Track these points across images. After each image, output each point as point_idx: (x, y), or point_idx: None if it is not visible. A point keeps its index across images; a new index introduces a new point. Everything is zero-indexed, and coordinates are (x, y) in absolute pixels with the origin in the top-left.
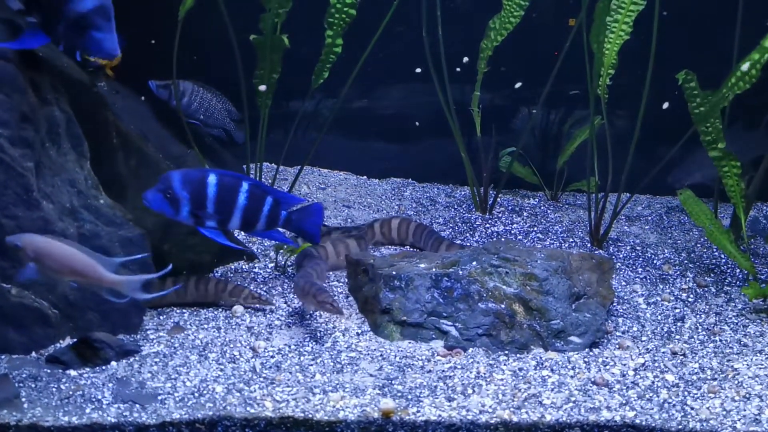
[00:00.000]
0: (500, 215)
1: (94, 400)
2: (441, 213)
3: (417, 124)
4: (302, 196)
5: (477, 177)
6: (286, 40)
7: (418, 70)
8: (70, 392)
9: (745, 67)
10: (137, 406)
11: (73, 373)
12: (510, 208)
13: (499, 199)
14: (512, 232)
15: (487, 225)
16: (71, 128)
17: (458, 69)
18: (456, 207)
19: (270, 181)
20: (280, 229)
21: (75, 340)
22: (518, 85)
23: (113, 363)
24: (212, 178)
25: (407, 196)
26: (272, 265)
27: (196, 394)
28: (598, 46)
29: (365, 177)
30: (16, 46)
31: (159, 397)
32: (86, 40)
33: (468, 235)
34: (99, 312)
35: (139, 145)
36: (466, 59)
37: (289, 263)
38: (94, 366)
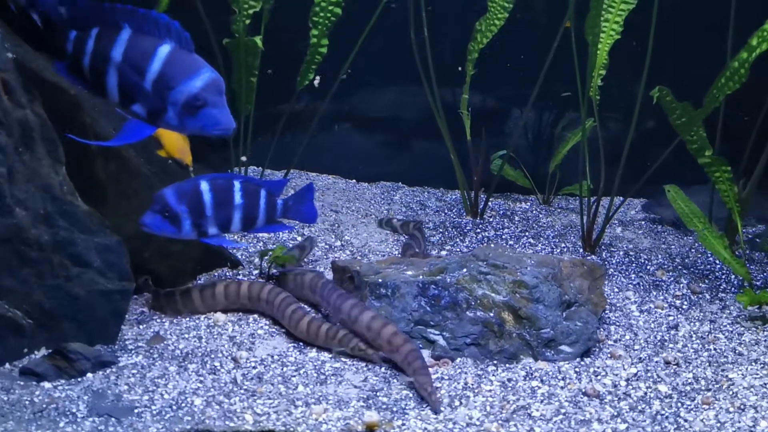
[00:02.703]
0: (491, 219)
1: (68, 413)
2: (431, 217)
3: (408, 126)
4: None
5: (468, 181)
6: (260, 42)
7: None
8: (44, 405)
9: (734, 65)
10: (113, 419)
11: (47, 385)
12: (501, 212)
13: (490, 203)
14: (503, 236)
15: (478, 230)
16: (46, 132)
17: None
18: (446, 211)
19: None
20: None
21: (50, 350)
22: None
23: (89, 375)
24: (205, 185)
25: (397, 201)
26: (257, 271)
27: (174, 407)
28: (593, 39)
29: (354, 181)
30: (120, 142)
31: (135, 411)
32: (200, 119)
33: (458, 240)
34: (75, 322)
35: (118, 150)
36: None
37: (273, 270)
38: (70, 378)
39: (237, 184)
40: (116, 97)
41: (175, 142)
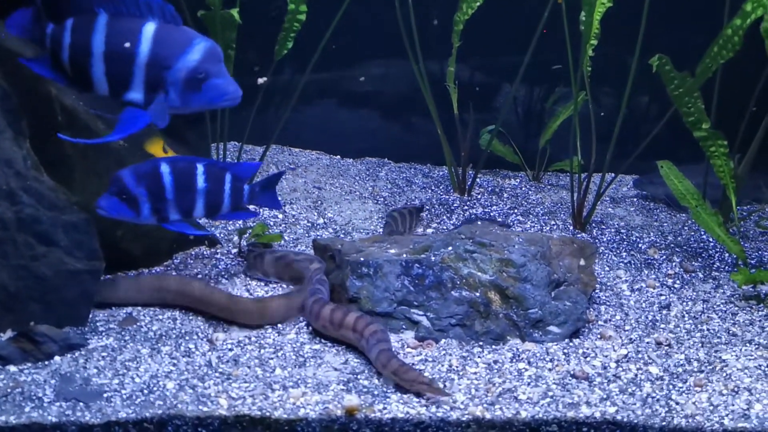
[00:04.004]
0: (479, 196)
1: (34, 398)
2: (417, 194)
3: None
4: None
5: (455, 157)
6: (237, 15)
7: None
8: (9, 390)
9: (728, 33)
10: (81, 404)
11: (12, 368)
12: (490, 189)
13: (478, 180)
14: (491, 214)
15: (466, 207)
16: (7, 103)
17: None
18: (433, 188)
19: (234, 161)
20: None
21: (16, 333)
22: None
23: (57, 358)
24: (165, 167)
25: (382, 177)
26: (235, 250)
27: (146, 391)
28: (589, 9)
29: (338, 156)
30: (119, 136)
31: (105, 395)
32: (206, 93)
33: (445, 217)
34: (43, 303)
35: (87, 123)
36: None
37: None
38: (36, 361)
39: (200, 168)
40: (105, 90)
41: None
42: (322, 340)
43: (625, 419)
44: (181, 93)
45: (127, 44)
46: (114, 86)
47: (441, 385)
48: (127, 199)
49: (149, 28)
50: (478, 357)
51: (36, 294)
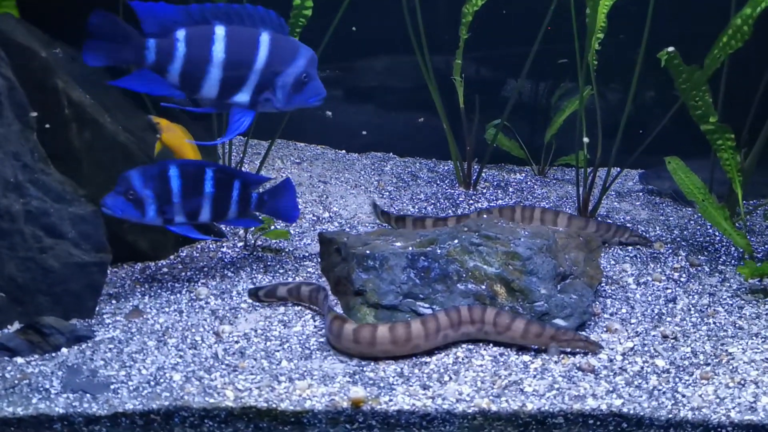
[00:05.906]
0: (485, 191)
1: (41, 389)
2: (423, 189)
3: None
4: (276, 171)
5: (461, 151)
6: None
7: None
8: (16, 381)
9: (737, 22)
10: (88, 395)
11: (20, 360)
12: (495, 183)
13: (483, 174)
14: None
15: (471, 201)
16: (15, 97)
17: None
18: (438, 182)
19: (240, 155)
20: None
21: (23, 325)
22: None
23: (64, 350)
24: (174, 170)
25: (387, 171)
26: (241, 244)
27: (152, 383)
28: (593, 4)
29: (343, 151)
30: (231, 135)
31: (112, 386)
32: (305, 94)
33: (450, 211)
34: (50, 295)
35: (94, 117)
36: None
37: (259, 243)
38: (44, 353)
39: (209, 172)
40: (213, 94)
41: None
42: None
43: (631, 412)
44: (287, 94)
45: (248, 52)
46: (225, 90)
47: (446, 378)
48: (133, 200)
49: (265, 38)
50: (484, 349)
51: (43, 286)
